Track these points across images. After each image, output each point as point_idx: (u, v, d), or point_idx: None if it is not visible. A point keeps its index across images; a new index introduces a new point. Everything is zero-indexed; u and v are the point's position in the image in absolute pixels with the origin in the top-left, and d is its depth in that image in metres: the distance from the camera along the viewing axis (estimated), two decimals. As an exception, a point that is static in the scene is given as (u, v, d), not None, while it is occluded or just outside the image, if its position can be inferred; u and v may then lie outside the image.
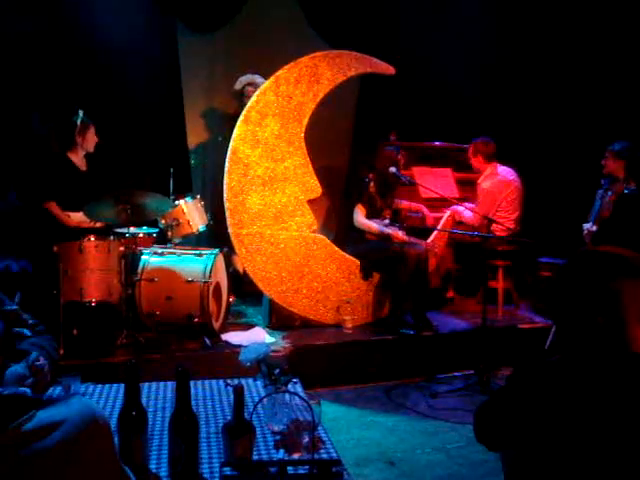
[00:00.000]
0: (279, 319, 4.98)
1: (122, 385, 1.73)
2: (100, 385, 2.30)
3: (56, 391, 2.13)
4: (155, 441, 1.89)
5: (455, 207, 5.49)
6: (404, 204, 5.55)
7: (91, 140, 4.75)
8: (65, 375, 2.10)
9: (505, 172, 5.46)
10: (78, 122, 4.62)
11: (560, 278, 1.63)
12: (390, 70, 5.17)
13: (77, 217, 4.59)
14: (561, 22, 6.15)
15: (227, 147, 4.80)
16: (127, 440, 1.66)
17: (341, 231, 5.84)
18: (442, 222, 5.50)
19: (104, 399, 2.19)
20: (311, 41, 6.16)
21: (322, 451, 1.85)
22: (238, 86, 5.60)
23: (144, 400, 2.12)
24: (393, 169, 5.03)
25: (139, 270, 4.44)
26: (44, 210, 4.54)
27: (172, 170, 4.98)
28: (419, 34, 6.28)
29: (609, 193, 4.80)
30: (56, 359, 2.08)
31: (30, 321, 2.11)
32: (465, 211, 5.42)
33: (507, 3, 6.36)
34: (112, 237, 4.39)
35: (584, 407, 1.48)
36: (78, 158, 4.77)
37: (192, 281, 4.39)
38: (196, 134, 6.19)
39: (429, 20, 6.33)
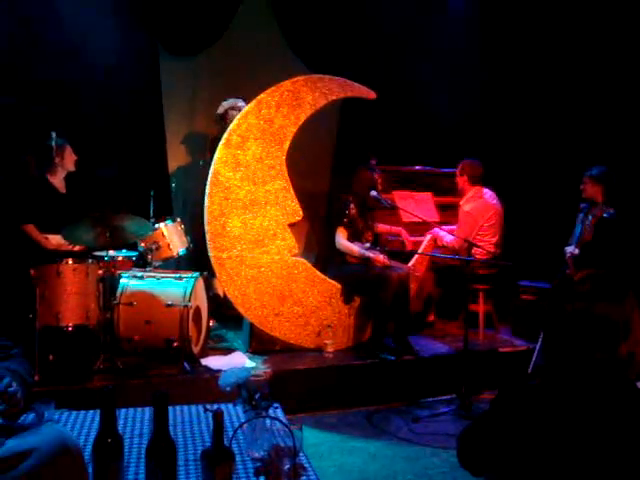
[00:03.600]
0: (260, 343, 4.93)
1: (98, 411, 1.68)
2: (75, 412, 2.24)
3: (29, 418, 2.07)
4: (131, 469, 1.84)
5: (436, 230, 5.51)
6: (384, 228, 5.56)
7: (70, 159, 4.75)
8: (39, 401, 2.04)
9: (488, 196, 5.50)
10: (53, 144, 4.61)
11: (551, 303, 1.63)
12: (371, 94, 5.21)
13: (56, 239, 4.54)
14: (542, 48, 6.26)
15: (208, 170, 4.79)
16: (102, 468, 1.61)
17: (322, 254, 5.83)
18: (423, 246, 5.51)
19: (79, 426, 2.14)
20: (293, 65, 6.20)
21: (303, 478, 1.81)
22: (220, 110, 5.62)
23: (121, 426, 2.08)
24: (374, 193, 5.04)
25: (118, 294, 4.38)
26: (22, 232, 4.48)
27: (152, 193, 4.95)
28: (400, 59, 6.35)
29: (589, 217, 4.86)
30: (30, 384, 2.03)
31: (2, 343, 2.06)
32: (446, 236, 5.44)
33: (487, 30, 6.47)
34: (90, 260, 4.33)
35: (569, 432, 1.46)
36: (58, 180, 4.75)
37: (171, 305, 4.34)
38: (177, 157, 6.17)
39: (410, 45, 6.41)
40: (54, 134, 4.66)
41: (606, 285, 1.51)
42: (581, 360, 1.53)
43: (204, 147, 6.02)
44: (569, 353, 1.56)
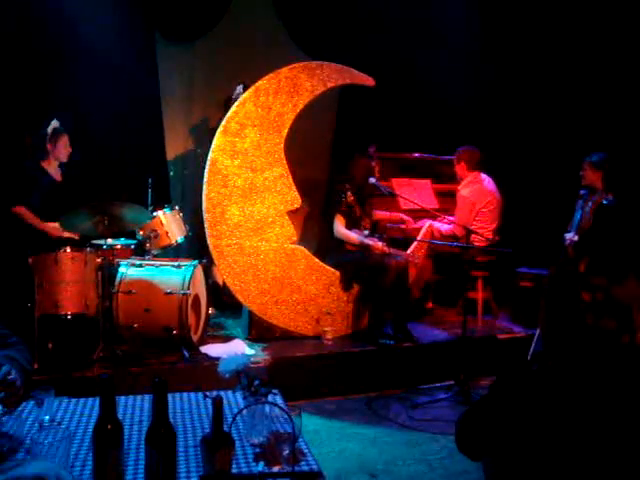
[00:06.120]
0: (259, 331, 4.94)
1: (97, 399, 1.68)
2: (75, 399, 2.24)
3: (28, 406, 2.07)
4: (131, 455, 1.84)
5: (431, 223, 5.51)
6: (383, 215, 5.55)
7: (63, 149, 4.69)
8: (38, 389, 2.04)
9: (486, 182, 5.50)
10: (49, 130, 4.58)
11: (551, 287, 1.62)
12: (370, 81, 5.19)
13: (49, 227, 4.52)
14: (542, 36, 6.23)
15: (206, 158, 4.77)
16: (102, 455, 1.62)
17: (322, 242, 5.83)
18: (422, 233, 5.51)
19: (79, 413, 2.14)
20: (290, 52, 6.17)
21: (303, 463, 1.81)
22: (235, 94, 5.50)
23: (120, 413, 2.08)
24: (372, 180, 5.04)
25: (116, 282, 4.38)
26: (16, 218, 4.47)
27: (150, 181, 4.94)
28: (400, 45, 6.32)
29: (589, 204, 4.85)
30: (29, 372, 2.03)
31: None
32: (442, 226, 5.45)
33: (489, 16, 6.42)
34: (89, 249, 4.33)
35: (567, 417, 1.47)
36: (52, 168, 4.71)
37: (170, 293, 4.34)
38: (175, 145, 6.15)
39: (410, 32, 6.37)
40: (55, 121, 4.63)
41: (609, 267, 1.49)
42: (591, 347, 1.52)
43: (202, 134, 6.00)
44: (586, 341, 1.54)
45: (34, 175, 4.59)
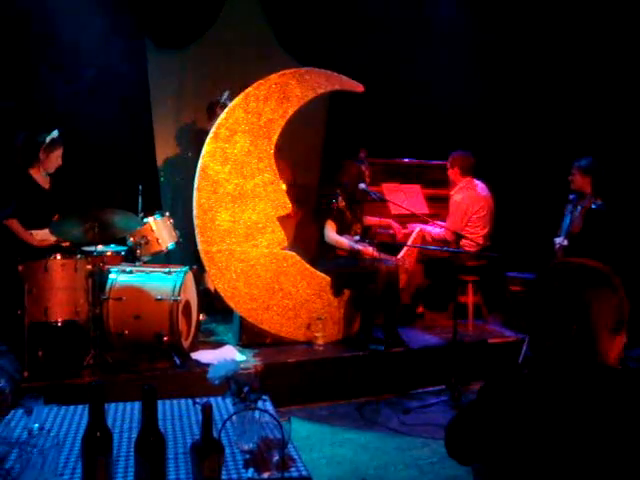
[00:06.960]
0: (250, 337, 4.94)
1: (87, 406, 1.68)
2: (64, 406, 2.24)
3: (18, 413, 2.07)
4: (121, 463, 1.84)
5: (422, 227, 5.52)
6: (373, 220, 5.57)
7: (54, 161, 4.59)
8: (27, 397, 2.04)
9: (479, 187, 5.52)
10: (47, 139, 4.53)
11: (534, 291, 1.64)
12: (359, 88, 5.20)
13: (39, 235, 4.49)
14: (531, 43, 6.27)
15: (196, 164, 4.78)
16: (91, 462, 1.62)
17: (313, 247, 5.83)
18: (412, 238, 5.53)
19: (68, 421, 2.13)
20: (280, 58, 6.19)
21: (292, 469, 1.82)
22: (222, 99, 5.48)
23: (110, 421, 2.08)
24: (362, 185, 5.05)
25: (107, 289, 4.36)
26: (5, 228, 4.44)
27: (141, 187, 4.94)
28: (389, 52, 6.35)
29: (578, 208, 4.88)
30: (18, 380, 2.03)
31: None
32: (433, 230, 5.47)
33: (479, 24, 6.46)
34: (79, 255, 4.31)
35: (555, 420, 1.48)
36: (39, 176, 4.65)
37: (161, 299, 4.33)
38: (165, 151, 6.15)
39: (399, 37, 6.40)
40: (55, 131, 4.57)
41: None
42: (554, 337, 1.55)
43: (192, 140, 6.00)
44: (543, 330, 1.57)
45: (19, 184, 4.54)
